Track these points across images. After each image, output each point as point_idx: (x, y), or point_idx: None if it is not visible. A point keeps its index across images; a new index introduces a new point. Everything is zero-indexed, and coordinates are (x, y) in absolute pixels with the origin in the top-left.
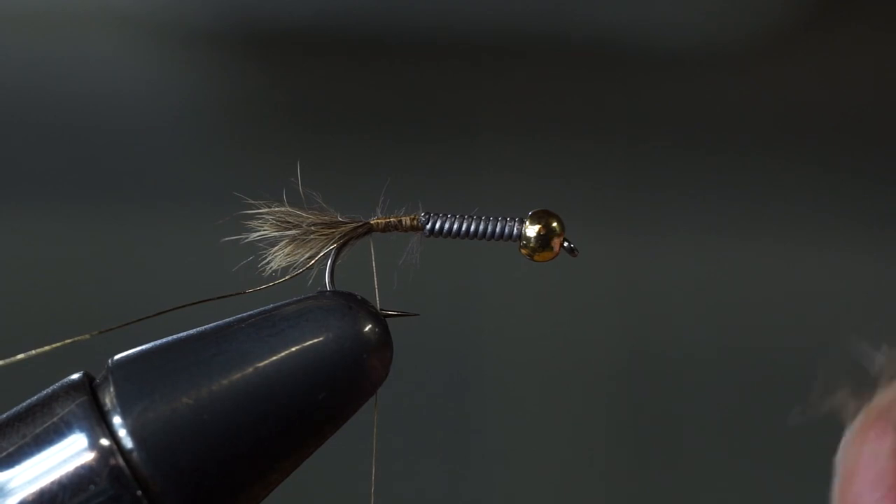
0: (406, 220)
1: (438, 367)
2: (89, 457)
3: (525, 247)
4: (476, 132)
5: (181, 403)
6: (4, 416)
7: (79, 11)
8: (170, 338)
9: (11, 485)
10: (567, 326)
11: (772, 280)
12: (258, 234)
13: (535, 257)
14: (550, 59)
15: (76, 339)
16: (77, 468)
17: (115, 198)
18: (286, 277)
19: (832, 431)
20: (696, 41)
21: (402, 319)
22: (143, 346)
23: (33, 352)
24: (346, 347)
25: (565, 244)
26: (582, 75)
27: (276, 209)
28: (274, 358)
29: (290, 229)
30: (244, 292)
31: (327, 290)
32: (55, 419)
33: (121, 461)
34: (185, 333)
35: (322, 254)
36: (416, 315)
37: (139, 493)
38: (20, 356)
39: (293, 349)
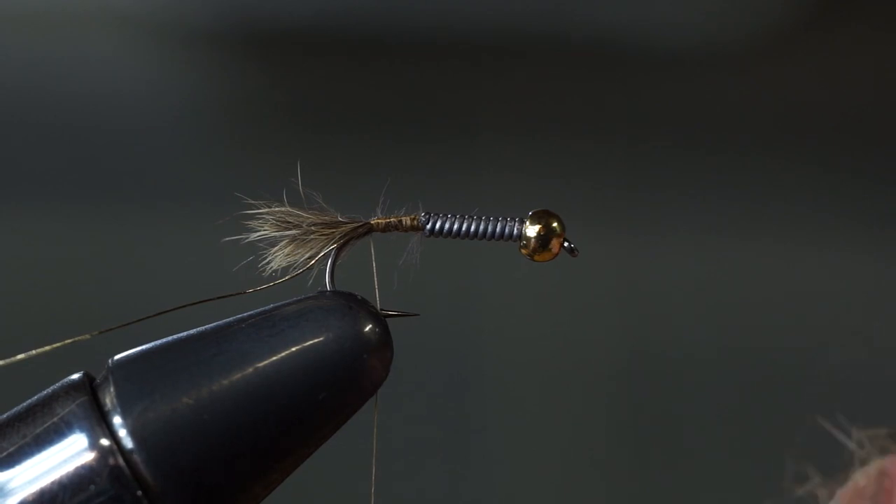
0: (406, 221)
1: (438, 367)
2: (89, 457)
3: (525, 247)
4: (476, 132)
5: (181, 403)
6: (4, 416)
7: (79, 11)
8: (170, 338)
9: (12, 485)
10: (567, 326)
11: (772, 280)
12: (258, 234)
13: (535, 257)
14: (550, 59)
15: (76, 339)
16: (77, 468)
17: (115, 198)
18: (286, 277)
19: (832, 431)
20: (696, 41)
21: (402, 319)
22: (144, 346)
23: (33, 352)
24: (347, 347)
25: (565, 244)
26: (582, 75)
27: (277, 209)
28: (274, 358)
29: (290, 229)
30: (244, 292)
31: (327, 290)
32: (55, 419)
33: (121, 461)
34: (185, 333)
35: (322, 254)
36: (416, 315)
37: (139, 493)
38: (20, 356)
39: (293, 349)
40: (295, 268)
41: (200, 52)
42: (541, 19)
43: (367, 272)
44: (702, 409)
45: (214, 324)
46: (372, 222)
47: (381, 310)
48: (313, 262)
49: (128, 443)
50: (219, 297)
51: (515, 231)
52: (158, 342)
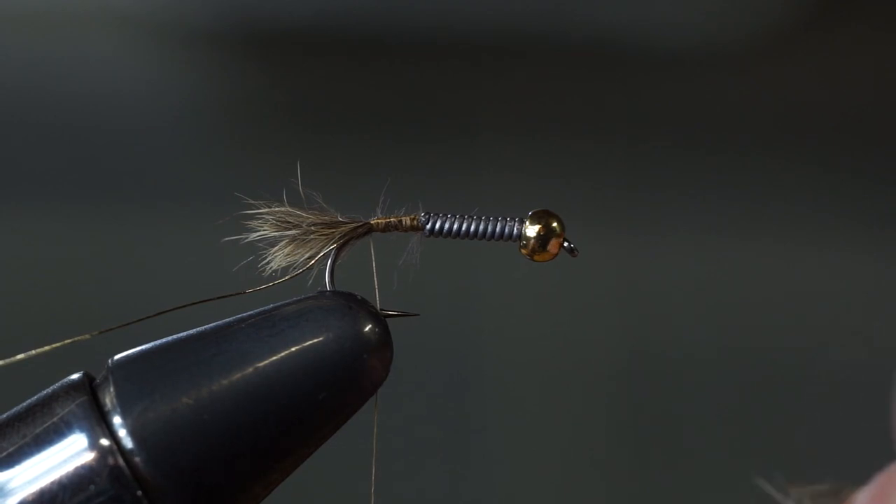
0: (406, 221)
1: (438, 367)
2: (89, 457)
3: (525, 247)
4: (476, 132)
5: (181, 403)
6: (4, 416)
7: (79, 11)
8: (170, 338)
9: (11, 485)
10: (567, 326)
11: (772, 280)
12: (258, 234)
13: (535, 257)
14: (550, 59)
15: (76, 339)
16: (77, 468)
17: (115, 198)
18: (286, 277)
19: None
20: (696, 41)
21: (402, 319)
22: (143, 346)
23: (33, 352)
24: (347, 347)
25: (565, 244)
26: (582, 75)
27: (277, 209)
28: (274, 358)
29: (290, 229)
30: (244, 292)
31: (327, 290)
32: (55, 419)
33: (121, 461)
34: (185, 333)
35: (322, 254)
36: (416, 315)
37: (139, 493)
38: (20, 356)
39: (293, 349)
40: (295, 268)
41: (200, 52)
42: (541, 19)
43: (367, 272)
44: (702, 409)
45: (214, 324)
46: (372, 222)
47: (381, 310)
48: (313, 262)
49: (128, 443)
50: (219, 297)
51: (515, 231)
52: (158, 342)
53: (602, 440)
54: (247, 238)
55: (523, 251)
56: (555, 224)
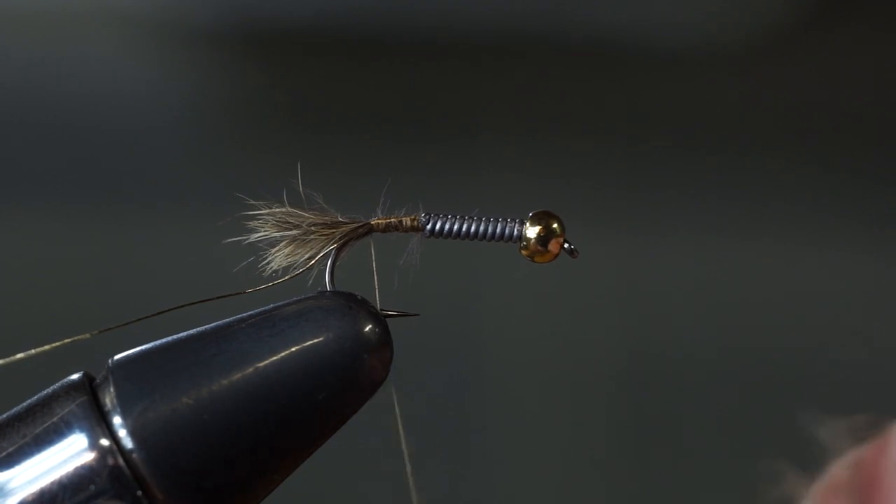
0: (406, 221)
1: (438, 367)
2: (89, 457)
3: (525, 248)
4: (476, 132)
5: (181, 403)
6: (4, 416)
7: (79, 11)
8: (170, 338)
9: (11, 485)
10: (567, 326)
11: (772, 280)
12: (259, 234)
13: (536, 258)
14: (550, 59)
15: (76, 338)
16: (77, 468)
17: (115, 198)
18: (286, 277)
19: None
20: (696, 41)
21: (402, 319)
22: (144, 346)
23: (33, 351)
24: (347, 347)
25: (565, 246)
26: (582, 75)
27: (277, 210)
28: (274, 358)
29: (290, 230)
30: (244, 292)
31: (327, 291)
32: (55, 419)
33: (121, 461)
34: (185, 333)
35: (322, 254)
36: (416, 315)
37: (139, 493)
38: (20, 356)
39: (293, 349)
40: (295, 268)
41: (200, 52)
42: (541, 19)
43: (367, 272)
44: (702, 409)
45: (214, 324)
46: (372, 223)
47: (381, 310)
48: (313, 262)
49: (128, 443)
50: (218, 297)
51: (515, 232)
52: (158, 342)
53: (602, 440)
54: (247, 239)
55: (523, 252)
56: (555, 225)
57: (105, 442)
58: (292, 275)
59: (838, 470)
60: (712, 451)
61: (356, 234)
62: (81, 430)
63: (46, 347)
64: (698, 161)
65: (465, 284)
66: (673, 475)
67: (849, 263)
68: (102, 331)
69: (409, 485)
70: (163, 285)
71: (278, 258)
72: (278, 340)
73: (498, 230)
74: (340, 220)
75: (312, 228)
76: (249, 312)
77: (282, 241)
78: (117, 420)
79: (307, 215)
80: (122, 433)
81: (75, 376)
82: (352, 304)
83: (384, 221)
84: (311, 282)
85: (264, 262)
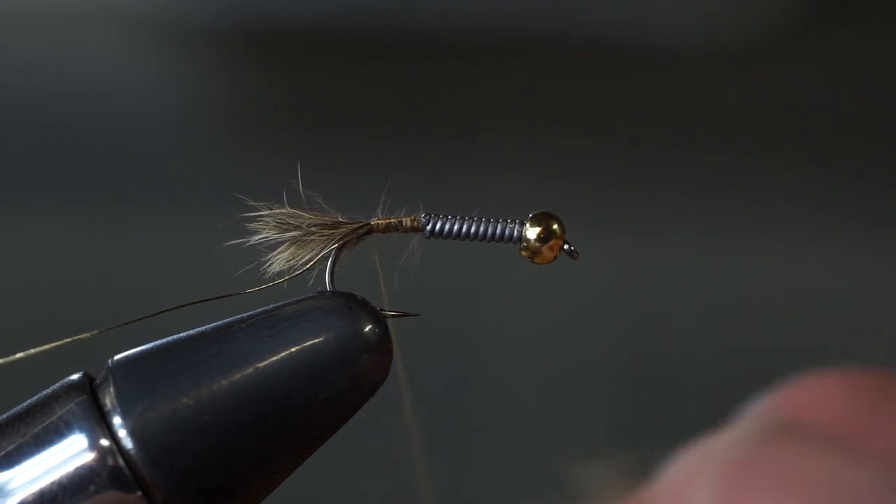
0: (406, 221)
1: (438, 367)
2: (89, 457)
3: (525, 249)
4: (476, 132)
5: (181, 404)
6: (4, 416)
7: (79, 11)
8: (170, 338)
9: (11, 485)
10: (567, 326)
11: (772, 280)
12: (259, 236)
13: (536, 259)
14: (550, 59)
15: (76, 338)
16: (77, 468)
17: (115, 198)
18: (286, 277)
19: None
20: (696, 41)
21: (402, 319)
22: (144, 347)
23: (33, 351)
24: (346, 348)
25: (565, 247)
26: (582, 75)
27: (277, 210)
28: (274, 358)
29: (290, 230)
30: (244, 292)
31: (327, 291)
32: (55, 419)
33: (121, 461)
34: (185, 333)
35: (322, 254)
36: (416, 315)
37: (139, 493)
38: (20, 355)
39: (293, 349)
40: (295, 268)
41: (200, 52)
42: (541, 19)
43: (367, 272)
44: (702, 409)
45: (214, 324)
46: (372, 223)
47: (381, 310)
48: (313, 262)
49: (128, 443)
50: (218, 297)
51: (515, 233)
52: (158, 342)
53: (602, 440)
54: (248, 241)
55: (523, 253)
56: (555, 226)
57: (105, 442)
58: (292, 275)
59: None
60: None
61: (356, 235)
62: (81, 430)
63: (46, 347)
64: (698, 161)
65: (465, 285)
66: None
67: (849, 263)
68: (102, 331)
69: (420, 481)
70: (163, 285)
71: (279, 260)
72: (278, 340)
73: (498, 231)
74: (340, 220)
75: (312, 229)
76: (249, 312)
77: (282, 243)
78: (117, 420)
79: (307, 216)
80: (122, 433)
81: (75, 376)
82: (352, 304)
83: (384, 222)
84: (311, 282)
85: (265, 264)
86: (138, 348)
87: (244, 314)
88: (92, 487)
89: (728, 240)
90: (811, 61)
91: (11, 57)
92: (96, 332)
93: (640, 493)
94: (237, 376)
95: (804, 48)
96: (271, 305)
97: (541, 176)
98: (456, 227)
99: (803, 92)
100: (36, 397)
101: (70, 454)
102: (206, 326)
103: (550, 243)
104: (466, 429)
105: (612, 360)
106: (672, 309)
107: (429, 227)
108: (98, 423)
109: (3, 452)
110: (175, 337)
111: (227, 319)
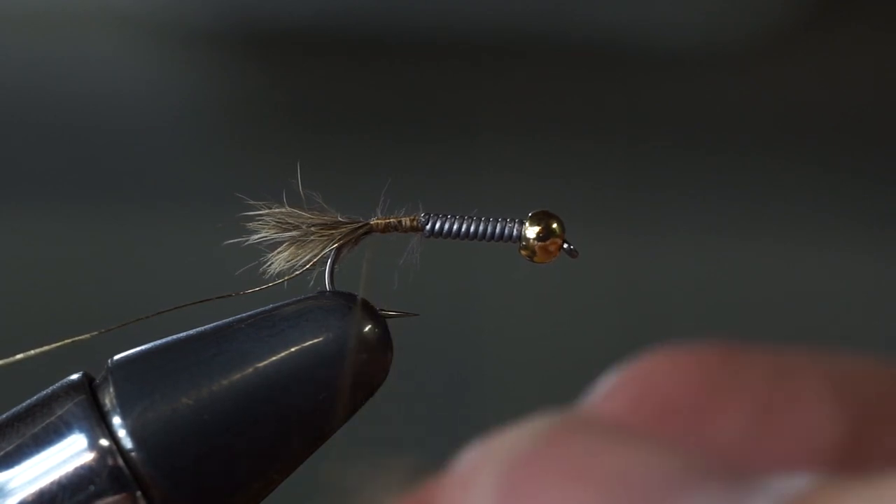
0: (406, 221)
1: (438, 367)
2: (89, 457)
3: (525, 248)
4: (476, 132)
5: (181, 404)
6: (4, 416)
7: (79, 11)
8: (170, 338)
9: (11, 485)
10: (567, 326)
11: (772, 280)
12: (259, 236)
13: (535, 259)
14: (550, 59)
15: (76, 338)
16: (77, 468)
17: (115, 198)
18: (286, 277)
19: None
20: (696, 41)
21: (402, 319)
22: (143, 347)
23: (33, 352)
24: (346, 348)
25: (565, 246)
26: (582, 75)
27: (277, 210)
28: (274, 358)
29: (290, 230)
30: (243, 292)
31: (327, 291)
32: (55, 419)
33: (120, 461)
34: (185, 334)
35: (322, 254)
36: (416, 315)
37: (139, 493)
38: (20, 356)
39: (293, 349)
40: (295, 268)
41: (200, 52)
42: (541, 19)
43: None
44: None
45: (214, 324)
46: (372, 223)
47: (381, 310)
48: (313, 262)
49: (127, 443)
50: (218, 297)
51: (515, 232)
52: (158, 342)
53: None
54: (248, 241)
55: (523, 252)
56: (554, 225)
57: (105, 442)
58: (292, 275)
59: None
60: None
61: (356, 235)
62: (81, 431)
63: (46, 348)
64: (698, 161)
65: (465, 284)
66: None
67: (849, 263)
68: (102, 331)
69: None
70: (163, 285)
71: (279, 260)
72: (278, 340)
73: (497, 230)
74: (340, 220)
75: (312, 229)
76: (249, 312)
77: (282, 242)
78: (117, 420)
79: (307, 216)
80: (122, 433)
81: (75, 376)
82: (351, 304)
83: (384, 222)
84: (311, 282)
85: (265, 264)
86: (138, 348)
87: (244, 314)
88: (91, 487)
89: (728, 240)
90: (811, 61)
91: (11, 57)
92: (96, 332)
93: (426, 487)
94: (237, 376)
95: (804, 48)
96: (271, 305)
97: (541, 176)
98: (455, 227)
99: (803, 92)
100: (36, 397)
101: (70, 454)
102: (206, 326)
103: (550, 242)
104: (466, 429)
105: (611, 359)
106: (672, 309)
107: (428, 227)
108: (98, 423)
109: (2, 452)
110: (175, 337)
111: (227, 319)
